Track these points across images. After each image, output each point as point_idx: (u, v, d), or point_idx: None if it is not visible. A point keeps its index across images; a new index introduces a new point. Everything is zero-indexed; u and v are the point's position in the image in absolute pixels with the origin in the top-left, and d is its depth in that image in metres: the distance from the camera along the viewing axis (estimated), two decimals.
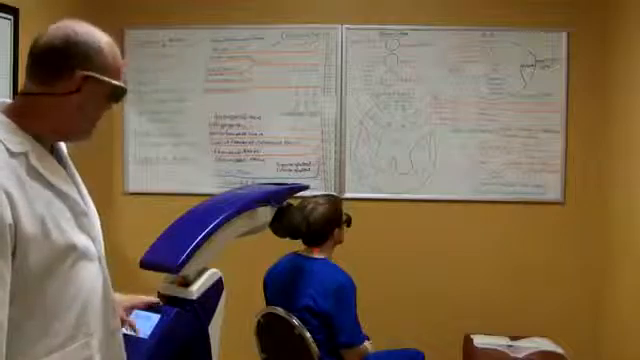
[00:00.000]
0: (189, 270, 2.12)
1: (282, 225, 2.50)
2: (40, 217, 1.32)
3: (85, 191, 1.56)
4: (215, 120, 3.77)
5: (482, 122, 3.68)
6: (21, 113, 1.38)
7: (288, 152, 3.73)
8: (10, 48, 2.84)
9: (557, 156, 3.65)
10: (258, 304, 2.70)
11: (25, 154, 1.34)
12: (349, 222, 2.77)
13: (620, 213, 3.37)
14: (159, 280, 2.17)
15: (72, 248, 1.39)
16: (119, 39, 3.68)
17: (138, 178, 3.84)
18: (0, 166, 1.28)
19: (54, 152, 1.49)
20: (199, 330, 2.12)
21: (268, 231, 2.51)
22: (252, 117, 3.72)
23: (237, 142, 3.77)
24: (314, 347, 2.45)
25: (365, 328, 2.58)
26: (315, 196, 2.74)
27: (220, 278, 2.21)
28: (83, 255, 1.43)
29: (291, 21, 3.72)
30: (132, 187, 3.84)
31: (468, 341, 3.45)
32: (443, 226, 3.71)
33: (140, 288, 3.14)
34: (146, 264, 2.13)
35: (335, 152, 3.73)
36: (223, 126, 3.77)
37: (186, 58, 3.75)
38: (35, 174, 1.35)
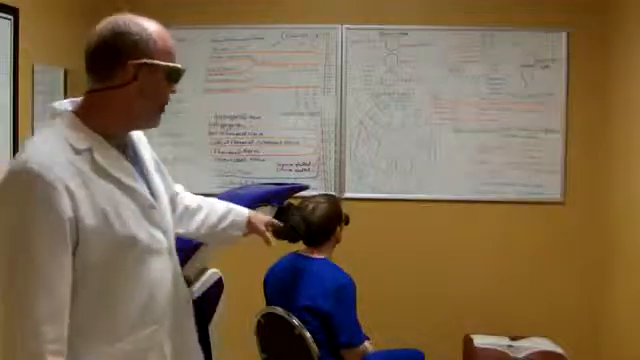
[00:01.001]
0: (189, 270, 2.12)
1: (282, 226, 2.50)
2: (102, 211, 1.37)
3: (158, 184, 1.60)
4: (215, 120, 3.77)
5: (482, 122, 3.68)
6: (88, 110, 1.46)
7: (288, 152, 3.73)
8: (10, 48, 2.84)
9: (557, 156, 3.65)
10: (258, 304, 2.70)
11: (89, 150, 1.40)
12: (347, 221, 2.77)
13: (620, 213, 3.37)
14: None
15: (136, 241, 1.43)
16: None
17: None
18: (61, 162, 1.34)
19: (128, 147, 1.55)
20: (199, 330, 2.12)
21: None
22: (252, 117, 3.72)
23: (237, 142, 3.77)
24: (314, 347, 2.45)
25: (365, 328, 2.57)
26: (315, 196, 2.74)
27: (220, 278, 2.22)
28: (148, 247, 1.47)
29: (291, 21, 3.72)
30: None
31: (468, 341, 3.45)
32: (443, 226, 3.71)
33: None
34: None
35: (335, 152, 3.73)
36: (223, 126, 3.77)
37: (186, 58, 3.73)
38: (99, 169, 1.40)
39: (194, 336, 1.69)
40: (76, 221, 1.33)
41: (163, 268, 1.52)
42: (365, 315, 2.59)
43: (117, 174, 1.44)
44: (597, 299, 3.61)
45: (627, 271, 3.28)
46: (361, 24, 3.70)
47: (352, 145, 3.73)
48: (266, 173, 3.75)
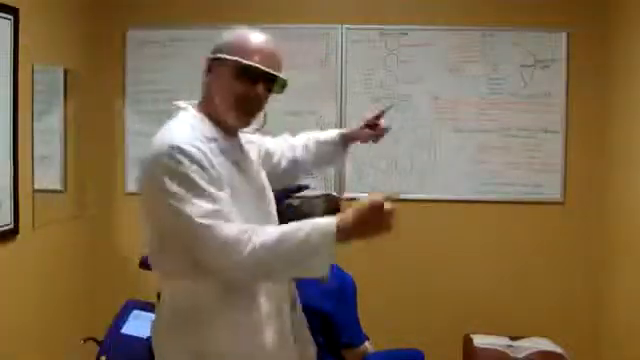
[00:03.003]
0: None
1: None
2: (230, 187, 1.55)
3: (264, 179, 1.78)
4: None
5: (482, 122, 3.68)
6: (203, 101, 1.69)
7: None
8: (10, 48, 2.84)
9: (557, 156, 3.65)
10: None
11: (214, 139, 1.59)
12: None
13: (620, 213, 3.37)
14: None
15: (247, 221, 1.53)
16: (120, 39, 3.69)
17: None
18: (198, 144, 1.52)
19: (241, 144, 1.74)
20: None
21: None
22: None
23: None
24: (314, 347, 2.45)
25: (365, 328, 2.57)
26: (315, 196, 2.73)
27: None
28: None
29: (291, 21, 3.71)
30: (132, 187, 3.83)
31: (468, 341, 3.45)
32: (443, 226, 3.71)
33: (140, 288, 3.14)
34: (146, 264, 2.13)
35: None
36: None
37: (186, 58, 3.74)
38: (224, 154, 1.59)
39: (301, 314, 1.86)
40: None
41: None
42: (365, 315, 2.58)
43: (239, 160, 1.63)
44: (597, 299, 3.61)
45: (627, 271, 3.28)
46: (361, 24, 3.70)
47: (352, 145, 3.71)
48: None
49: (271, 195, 1.78)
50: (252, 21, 3.69)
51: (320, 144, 2.10)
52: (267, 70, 1.61)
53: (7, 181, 2.85)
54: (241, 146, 1.73)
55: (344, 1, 3.76)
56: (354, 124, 3.69)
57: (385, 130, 2.18)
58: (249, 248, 1.44)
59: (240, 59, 1.59)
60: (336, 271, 2.57)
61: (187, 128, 1.57)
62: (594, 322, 3.62)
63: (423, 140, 3.71)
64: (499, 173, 3.68)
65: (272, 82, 1.65)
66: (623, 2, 3.39)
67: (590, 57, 3.61)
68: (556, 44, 3.63)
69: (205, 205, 1.47)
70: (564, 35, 3.62)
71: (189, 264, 1.54)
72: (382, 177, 3.72)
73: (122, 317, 2.73)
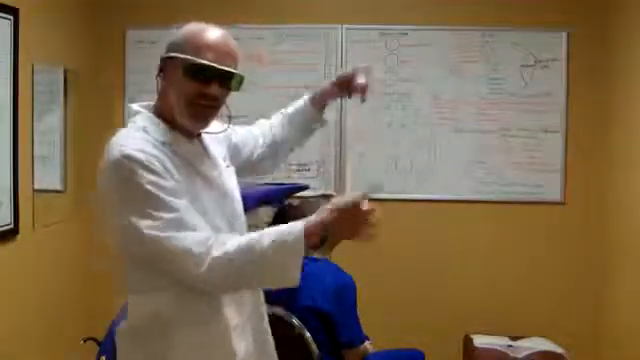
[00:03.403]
0: None
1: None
2: (186, 191, 1.47)
3: (228, 179, 1.68)
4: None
5: (482, 122, 3.68)
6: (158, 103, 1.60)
7: None
8: (10, 48, 2.84)
9: (557, 156, 3.65)
10: None
11: (171, 143, 1.51)
12: None
13: (620, 213, 3.37)
14: None
15: (212, 225, 1.49)
16: (120, 39, 3.69)
17: None
18: (150, 147, 1.46)
19: (201, 143, 1.64)
20: None
21: None
22: (252, 117, 3.70)
23: None
24: (314, 347, 2.45)
25: (365, 328, 2.57)
26: (314, 196, 2.74)
27: None
28: (220, 232, 1.51)
29: (291, 21, 3.71)
30: None
31: (468, 341, 3.46)
32: (443, 226, 3.71)
33: None
34: None
35: (335, 152, 3.73)
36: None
37: None
38: (180, 158, 1.51)
39: (267, 324, 1.77)
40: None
41: None
42: (365, 315, 2.58)
43: (197, 164, 1.55)
44: (597, 299, 3.61)
45: (627, 271, 3.28)
46: (361, 24, 3.70)
47: (352, 145, 3.72)
48: None
49: (237, 195, 1.70)
50: (252, 21, 3.72)
51: (293, 116, 2.00)
52: (220, 67, 1.50)
53: (7, 181, 2.85)
54: (203, 147, 1.64)
55: (344, 1, 3.76)
56: (354, 124, 3.72)
57: (362, 89, 2.01)
58: (208, 261, 1.38)
59: (191, 57, 1.49)
60: (336, 271, 2.57)
61: (141, 134, 1.49)
62: (594, 322, 3.62)
63: (423, 140, 3.70)
64: (499, 173, 3.68)
65: (228, 80, 1.54)
66: (623, 2, 3.39)
67: (590, 57, 3.61)
68: (556, 44, 3.63)
69: (162, 216, 1.40)
70: (564, 35, 3.62)
71: (148, 276, 1.48)
72: (382, 177, 3.72)
73: (122, 317, 2.73)
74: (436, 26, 3.67)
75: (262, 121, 2.03)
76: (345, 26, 3.70)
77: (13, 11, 2.83)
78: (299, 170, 3.74)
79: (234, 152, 1.83)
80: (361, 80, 1.95)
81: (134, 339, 1.55)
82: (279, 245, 1.41)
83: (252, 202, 2.36)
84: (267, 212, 2.44)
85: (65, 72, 3.38)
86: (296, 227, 1.42)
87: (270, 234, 1.42)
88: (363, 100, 2.01)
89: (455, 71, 3.68)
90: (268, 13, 3.72)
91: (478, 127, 3.68)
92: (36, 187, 3.10)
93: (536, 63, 3.64)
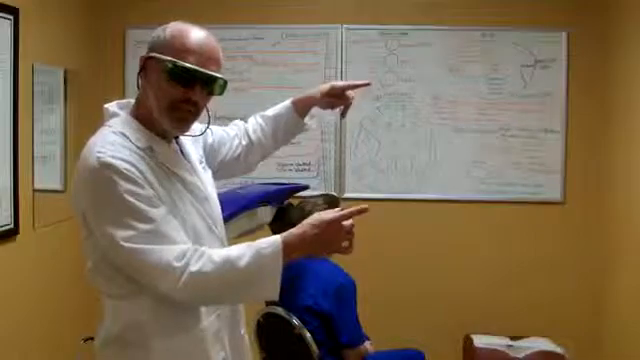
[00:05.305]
0: None
1: (282, 225, 2.50)
2: (165, 198, 1.45)
3: (206, 181, 1.65)
4: (214, 120, 3.75)
5: (482, 122, 3.68)
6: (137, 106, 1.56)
7: (288, 152, 3.72)
8: (10, 48, 2.84)
9: (557, 156, 3.65)
10: (258, 304, 2.70)
11: (149, 147, 1.47)
12: None
13: (620, 213, 3.37)
14: None
15: (192, 230, 1.48)
16: (120, 39, 3.69)
17: None
18: (128, 154, 1.42)
19: (179, 145, 1.61)
20: None
21: (268, 231, 2.51)
22: None
23: None
24: (314, 347, 2.45)
25: (365, 328, 2.57)
26: (315, 196, 2.74)
27: None
28: (201, 237, 1.51)
29: (291, 21, 3.71)
30: None
31: (468, 341, 3.46)
32: (443, 226, 3.71)
33: None
34: None
35: (335, 152, 3.73)
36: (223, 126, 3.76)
37: None
38: (158, 163, 1.47)
39: (244, 327, 1.72)
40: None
41: None
42: (365, 315, 2.59)
43: (175, 169, 1.51)
44: (597, 299, 3.61)
45: (627, 271, 3.28)
46: (361, 24, 3.70)
47: (352, 145, 3.73)
48: (266, 173, 3.74)
49: (216, 199, 1.66)
50: (252, 21, 3.72)
51: (273, 119, 1.95)
52: (204, 71, 1.45)
53: (7, 181, 2.85)
54: (181, 151, 1.60)
55: (344, 1, 3.76)
56: (354, 124, 3.73)
57: (347, 105, 1.94)
58: (185, 277, 1.36)
59: (174, 60, 1.44)
60: (336, 271, 2.57)
61: (119, 139, 1.44)
62: (594, 322, 3.62)
63: (423, 140, 3.70)
64: (499, 173, 3.68)
65: (211, 84, 1.49)
66: (623, 2, 3.39)
67: (590, 57, 3.61)
68: (556, 44, 3.63)
69: (139, 226, 1.37)
70: (564, 35, 3.62)
71: (125, 284, 1.45)
72: (382, 177, 3.72)
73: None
74: (436, 26, 3.67)
75: (238, 122, 1.99)
76: (345, 26, 3.70)
77: (13, 11, 2.83)
78: (299, 170, 3.74)
79: (210, 153, 1.81)
80: (350, 96, 1.91)
81: (113, 347, 1.51)
82: (256, 261, 1.39)
83: (252, 202, 2.36)
84: (267, 212, 2.44)
85: (65, 72, 3.37)
86: (275, 243, 1.40)
87: (249, 247, 1.40)
88: (343, 116, 2.01)
89: (455, 71, 3.68)
90: (268, 13, 3.72)
91: (478, 127, 3.68)
92: (36, 187, 3.10)
93: (536, 63, 3.64)
